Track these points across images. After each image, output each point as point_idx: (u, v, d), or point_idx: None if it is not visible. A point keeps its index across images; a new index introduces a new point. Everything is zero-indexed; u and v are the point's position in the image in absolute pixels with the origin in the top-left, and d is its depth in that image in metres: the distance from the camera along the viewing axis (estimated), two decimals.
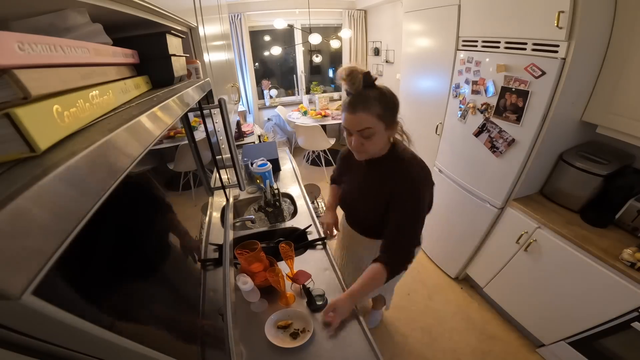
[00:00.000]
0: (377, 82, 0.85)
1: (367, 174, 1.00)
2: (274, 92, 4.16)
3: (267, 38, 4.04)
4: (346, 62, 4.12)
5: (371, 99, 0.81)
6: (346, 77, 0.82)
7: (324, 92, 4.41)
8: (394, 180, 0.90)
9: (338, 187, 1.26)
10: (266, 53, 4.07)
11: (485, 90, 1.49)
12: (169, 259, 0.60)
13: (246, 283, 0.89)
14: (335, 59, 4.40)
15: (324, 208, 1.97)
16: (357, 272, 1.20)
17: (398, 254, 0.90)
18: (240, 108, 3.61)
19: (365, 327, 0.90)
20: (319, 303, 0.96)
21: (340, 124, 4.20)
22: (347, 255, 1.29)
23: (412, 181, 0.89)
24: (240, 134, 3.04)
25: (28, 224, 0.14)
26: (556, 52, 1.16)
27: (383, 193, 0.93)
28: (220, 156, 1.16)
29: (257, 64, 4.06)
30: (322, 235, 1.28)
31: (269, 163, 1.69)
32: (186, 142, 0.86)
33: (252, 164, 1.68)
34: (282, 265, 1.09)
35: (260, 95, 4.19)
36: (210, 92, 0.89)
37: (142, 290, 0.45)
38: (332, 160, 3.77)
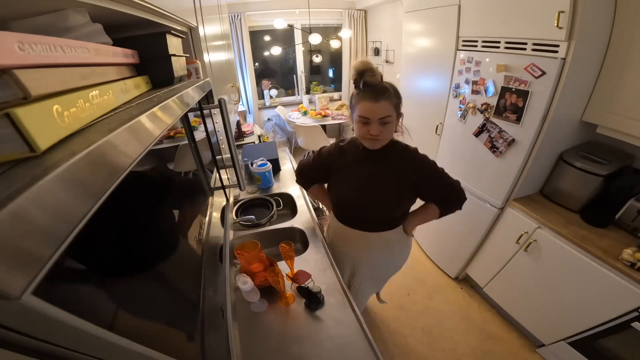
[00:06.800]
0: None
1: (373, 168, 1.01)
2: (274, 92, 4.16)
3: (267, 38, 4.04)
4: (346, 62, 4.12)
5: (389, 89, 0.89)
6: (367, 70, 0.89)
7: (324, 92, 4.41)
8: (412, 166, 0.99)
9: (321, 185, 1.24)
10: (266, 53, 4.07)
11: (485, 90, 1.49)
12: (169, 257, 0.60)
13: (246, 283, 0.89)
14: (335, 59, 4.39)
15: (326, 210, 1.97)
16: (368, 277, 1.23)
17: (454, 199, 1.08)
18: (240, 108, 3.61)
19: (365, 326, 0.90)
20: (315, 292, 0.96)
21: (340, 124, 4.21)
22: (346, 259, 1.21)
23: (424, 158, 1.01)
24: (240, 134, 3.04)
25: (28, 224, 0.14)
26: (556, 52, 1.16)
27: (404, 181, 0.99)
28: (220, 156, 1.16)
29: (257, 64, 4.06)
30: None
31: (269, 163, 1.69)
32: (186, 142, 0.86)
33: (252, 164, 1.68)
34: (282, 265, 1.09)
35: (260, 95, 4.19)
36: (210, 92, 0.89)
37: (143, 289, 0.45)
38: None
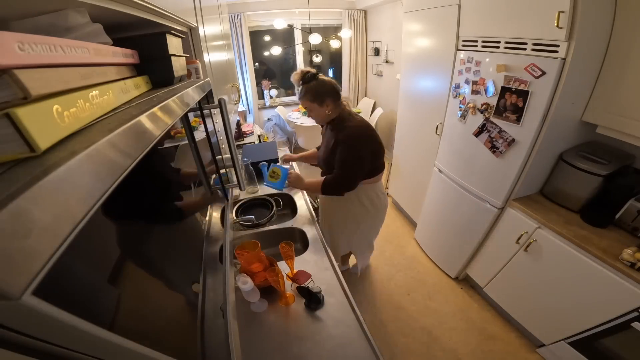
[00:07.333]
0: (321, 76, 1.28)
1: (328, 136, 1.38)
2: (274, 92, 4.16)
3: (267, 38, 4.04)
4: (346, 62, 4.12)
5: (303, 91, 1.27)
6: (292, 79, 1.32)
7: None
8: (339, 135, 1.27)
9: (317, 150, 1.63)
10: (266, 53, 4.07)
11: (485, 90, 1.49)
12: (169, 258, 0.60)
13: (246, 283, 0.89)
14: (335, 59, 4.39)
15: None
16: (331, 227, 1.57)
17: (335, 185, 1.32)
18: (240, 108, 3.61)
19: (365, 326, 0.90)
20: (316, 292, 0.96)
21: None
22: (322, 211, 1.64)
23: (350, 134, 1.25)
24: (240, 134, 3.04)
25: (28, 224, 0.14)
26: (556, 52, 1.16)
27: (334, 146, 1.29)
28: (220, 156, 1.16)
29: (257, 64, 4.06)
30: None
31: (289, 165, 1.68)
32: (186, 142, 0.86)
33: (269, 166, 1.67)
34: (282, 265, 1.09)
35: (260, 95, 4.19)
36: (210, 92, 0.89)
37: (142, 289, 0.45)
38: None
